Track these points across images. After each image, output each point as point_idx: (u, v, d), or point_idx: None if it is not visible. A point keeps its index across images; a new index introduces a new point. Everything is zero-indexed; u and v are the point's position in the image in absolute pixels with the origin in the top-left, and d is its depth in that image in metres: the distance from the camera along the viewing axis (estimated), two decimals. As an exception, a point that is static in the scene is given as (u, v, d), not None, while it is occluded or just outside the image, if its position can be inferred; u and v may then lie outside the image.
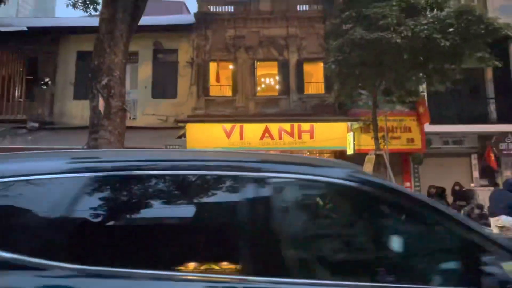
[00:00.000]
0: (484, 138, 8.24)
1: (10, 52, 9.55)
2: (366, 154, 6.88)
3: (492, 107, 8.62)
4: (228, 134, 8.10)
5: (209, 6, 8.85)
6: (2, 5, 9.41)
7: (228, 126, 8.17)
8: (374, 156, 6.35)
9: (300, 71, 8.64)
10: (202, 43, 8.81)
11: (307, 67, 8.82)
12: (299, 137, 7.88)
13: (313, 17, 8.58)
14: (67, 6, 7.94)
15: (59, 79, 9.27)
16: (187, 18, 9.84)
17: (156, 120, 8.53)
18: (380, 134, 6.80)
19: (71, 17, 11.79)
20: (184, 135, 8.16)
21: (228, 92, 9.00)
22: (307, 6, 8.69)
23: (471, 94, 9.09)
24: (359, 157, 7.11)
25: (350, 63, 6.18)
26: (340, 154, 7.92)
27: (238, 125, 8.17)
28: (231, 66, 9.03)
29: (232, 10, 8.82)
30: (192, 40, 8.90)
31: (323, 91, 8.52)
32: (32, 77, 9.43)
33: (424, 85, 7.02)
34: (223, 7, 8.83)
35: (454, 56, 6.05)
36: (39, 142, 7.80)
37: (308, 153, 8.15)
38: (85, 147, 8.20)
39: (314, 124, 7.87)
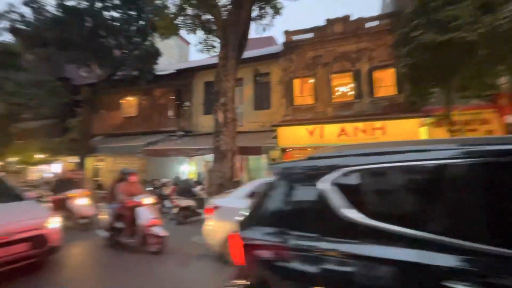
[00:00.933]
0: None
1: (165, 87, 14.62)
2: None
3: None
4: (311, 134, 10.03)
5: (293, 36, 11.24)
6: (159, 58, 14.51)
7: (310, 127, 10.10)
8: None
9: (370, 78, 9.83)
10: (288, 65, 11.24)
11: (377, 74, 9.89)
12: (372, 134, 9.02)
13: (381, 30, 9.66)
14: (199, 51, 11.78)
15: (194, 101, 13.52)
16: (276, 48, 12.54)
17: (256, 126, 11.40)
18: (455, 128, 7.16)
19: (199, 59, 16.54)
20: (276, 136, 10.61)
21: (310, 101, 11.00)
22: (375, 22, 9.87)
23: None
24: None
25: (421, 66, 6.73)
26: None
27: (318, 126, 9.98)
28: (312, 80, 11.04)
29: (312, 36, 10.90)
30: (281, 64, 11.46)
31: (393, 93, 9.41)
32: (178, 102, 14.12)
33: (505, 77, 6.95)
34: (304, 35, 11.04)
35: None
36: (185, 144, 11.79)
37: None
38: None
39: (386, 121, 8.85)
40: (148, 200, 5.25)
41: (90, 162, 14.73)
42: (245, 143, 10.04)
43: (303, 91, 11.28)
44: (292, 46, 11.18)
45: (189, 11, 9.86)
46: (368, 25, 10.01)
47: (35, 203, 4.84)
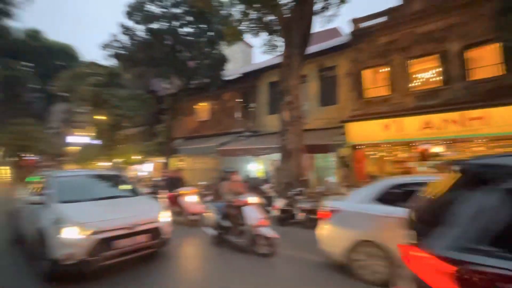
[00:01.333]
0: None
1: (233, 91, 15.50)
2: None
3: None
4: (386, 128, 9.05)
5: (361, 24, 10.36)
6: (227, 64, 15.46)
7: (385, 121, 9.13)
8: None
9: (463, 59, 8.16)
10: (357, 56, 10.42)
11: (472, 53, 8.12)
12: (467, 125, 7.49)
13: (474, 0, 7.89)
14: (264, 53, 12.08)
15: (259, 102, 13.97)
16: (342, 39, 11.79)
17: (323, 123, 10.99)
18: None
19: (263, 61, 16.99)
20: (344, 132, 9.99)
21: (384, 92, 9.94)
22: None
23: None
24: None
25: None
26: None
27: (396, 120, 8.92)
28: (386, 69, 9.95)
29: (385, 19, 9.81)
30: (348, 55, 10.72)
31: (497, 73, 7.56)
32: (245, 104, 14.85)
33: None
34: (374, 20, 10.04)
35: None
36: (252, 144, 12.28)
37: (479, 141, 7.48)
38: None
39: (489, 109, 7.20)
40: (254, 199, 5.13)
41: (173, 162, 16.88)
42: (312, 141, 9.79)
43: (376, 82, 10.27)
44: (360, 34, 10.32)
45: (252, 15, 10.20)
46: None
47: (149, 198, 5.24)
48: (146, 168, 19.23)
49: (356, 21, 10.47)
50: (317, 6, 9.20)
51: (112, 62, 15.95)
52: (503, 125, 6.95)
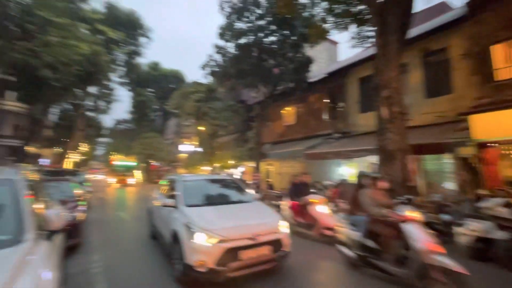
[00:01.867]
0: None
1: (319, 92, 15.04)
2: None
3: None
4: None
5: (485, -12, 8.17)
6: (311, 66, 15.16)
7: (532, 109, 6.83)
8: None
9: None
10: (478, 30, 8.25)
11: None
12: None
13: None
14: (352, 47, 11.23)
15: (348, 101, 13.01)
16: (453, 14, 9.61)
17: (431, 118, 9.19)
18: None
19: (349, 57, 15.87)
20: (466, 127, 8.02)
21: (527, 70, 7.47)
22: None
23: None
24: None
25: None
26: None
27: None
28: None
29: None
30: (465, 31, 8.63)
31: None
32: (332, 104, 14.13)
33: None
34: (506, -21, 7.73)
35: None
36: (343, 146, 11.46)
37: None
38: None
39: None
40: (417, 214, 3.75)
41: (263, 166, 17.70)
42: (419, 139, 8.31)
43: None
44: (481, 2, 8.15)
45: (338, 9, 9.65)
46: None
47: (263, 205, 4.89)
48: (239, 172, 20.93)
49: (475, -14, 8.35)
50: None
51: (209, 79, 18.25)
52: None
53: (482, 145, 7.75)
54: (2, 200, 1.95)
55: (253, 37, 14.45)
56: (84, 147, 34.61)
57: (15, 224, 1.79)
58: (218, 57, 15.82)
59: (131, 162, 33.78)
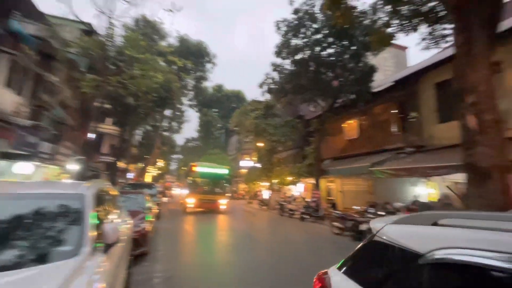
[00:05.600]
0: None
1: (385, 102, 13.65)
2: None
3: None
4: None
5: None
6: (375, 75, 13.94)
7: None
8: None
9: None
10: None
11: None
12: None
13: None
14: (424, 49, 9.95)
15: (422, 110, 11.34)
16: None
17: (545, 125, 7.17)
18: None
19: (421, 61, 14.12)
20: None
21: None
22: None
23: None
24: None
25: None
26: None
27: None
28: None
29: None
30: None
31: None
32: (402, 115, 12.56)
33: None
34: None
35: None
36: (417, 163, 9.94)
37: None
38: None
39: None
40: None
41: (323, 183, 16.75)
42: (526, 154, 6.52)
43: None
44: None
45: (404, 11, 8.74)
46: None
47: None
48: (298, 189, 20.30)
49: None
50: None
51: (267, 96, 18.70)
52: None
53: None
54: (71, 213, 2.17)
55: (309, 51, 14.29)
56: (160, 163, 39.47)
57: (77, 237, 1.98)
58: (275, 75, 16.14)
59: (222, 169, 18.43)
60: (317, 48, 14.20)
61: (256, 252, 7.11)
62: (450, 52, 8.27)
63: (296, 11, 14.14)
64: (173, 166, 57.00)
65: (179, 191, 32.24)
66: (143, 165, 30.92)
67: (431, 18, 8.49)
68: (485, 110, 6.68)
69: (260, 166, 23.67)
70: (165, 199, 22.40)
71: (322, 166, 15.99)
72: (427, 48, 9.77)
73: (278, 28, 14.87)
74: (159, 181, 40.72)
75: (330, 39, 13.86)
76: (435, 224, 1.34)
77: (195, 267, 5.63)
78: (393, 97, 12.80)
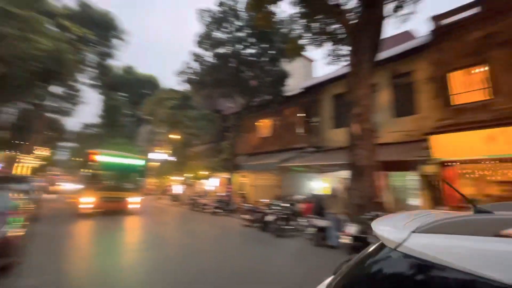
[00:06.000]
0: None
1: (294, 106, 15.28)
2: None
3: None
4: (490, 141, 7.25)
5: (443, 21, 8.89)
6: (288, 80, 15.46)
7: (487, 132, 7.35)
8: None
9: None
10: (440, 57, 8.91)
11: None
12: None
13: None
14: (328, 64, 11.58)
15: (322, 116, 13.31)
16: (418, 41, 10.33)
17: (399, 136, 9.60)
18: None
19: (324, 75, 16.40)
20: (428, 147, 8.44)
21: (481, 96, 8.13)
22: None
23: None
24: None
25: None
26: None
27: (502, 130, 7.09)
28: (482, 68, 8.18)
29: (478, 10, 8.18)
30: (428, 57, 9.27)
31: None
32: (307, 119, 14.37)
33: None
34: (462, 14, 8.48)
35: None
36: (316, 160, 11.61)
37: None
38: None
39: None
40: None
41: (237, 178, 17.34)
42: (387, 156, 8.58)
43: (468, 85, 8.50)
44: (444, 32, 8.85)
45: (315, 27, 9.94)
46: None
47: None
48: (212, 183, 20.33)
49: (437, 18, 9.06)
50: (389, 7, 8.35)
51: (185, 87, 17.81)
52: None
53: (443, 164, 8.18)
54: None
55: (232, 47, 14.43)
56: (43, 151, 31.78)
57: None
58: (195, 65, 15.54)
59: (135, 159, 14.46)
60: (239, 46, 14.49)
61: (163, 250, 6.68)
62: (345, 70, 10.00)
63: (221, 4, 13.99)
64: (64, 156, 46.92)
65: (70, 186, 26.56)
66: (16, 153, 24.21)
67: (334, 38, 9.96)
68: (365, 120, 8.42)
69: (174, 159, 22.43)
70: (48, 196, 18.26)
71: (237, 161, 16.52)
72: (330, 63, 11.46)
73: (202, 18, 14.37)
74: (41, 174, 32.81)
75: (252, 40, 14.38)
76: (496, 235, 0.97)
77: (83, 275, 4.81)
78: (301, 102, 14.45)
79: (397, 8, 8.47)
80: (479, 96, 8.18)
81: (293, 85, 15.89)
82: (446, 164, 8.17)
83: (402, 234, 1.15)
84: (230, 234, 9.09)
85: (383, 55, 9.51)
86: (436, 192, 8.29)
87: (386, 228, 1.35)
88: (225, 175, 17.21)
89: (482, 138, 7.38)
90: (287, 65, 15.40)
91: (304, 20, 10.03)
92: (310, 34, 10.16)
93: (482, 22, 8.05)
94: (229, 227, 10.48)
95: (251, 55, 14.80)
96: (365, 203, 7.46)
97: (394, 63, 10.27)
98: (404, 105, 10.04)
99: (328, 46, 10.57)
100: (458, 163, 8.07)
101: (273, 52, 14.54)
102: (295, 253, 6.79)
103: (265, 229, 9.10)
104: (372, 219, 6.58)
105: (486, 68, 8.06)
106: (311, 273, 5.05)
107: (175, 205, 19.63)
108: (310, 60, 20.94)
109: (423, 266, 1.02)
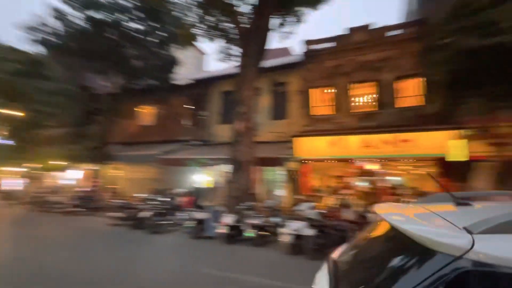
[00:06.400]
0: None
1: (183, 97, 14.68)
2: (474, 161, 6.86)
3: None
4: (332, 145, 9.58)
5: (313, 46, 11.03)
6: (177, 68, 14.74)
7: (330, 138, 9.68)
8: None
9: (394, 88, 9.41)
10: (307, 75, 10.99)
11: (403, 84, 9.44)
12: (398, 146, 8.47)
13: (405, 39, 9.28)
14: (219, 61, 11.80)
15: (210, 111, 13.46)
16: (295, 58, 12.34)
17: (274, 136, 11.09)
18: (498, 141, 6.62)
19: (216, 70, 16.64)
20: (291, 147, 10.23)
21: (329, 111, 10.63)
22: (399, 31, 9.53)
23: None
24: (464, 165, 7.17)
25: (459, 73, 6.22)
26: (440, 161, 7.95)
27: (340, 137, 9.53)
28: (332, 90, 10.71)
29: (333, 45, 10.65)
30: (299, 73, 11.23)
31: (420, 103, 8.92)
32: (195, 111, 14.12)
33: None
34: (325, 44, 10.81)
35: None
36: (200, 154, 11.60)
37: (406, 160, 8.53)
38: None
39: (415, 133, 8.29)
40: None
41: (108, 170, 14.83)
42: (262, 153, 9.72)
43: (322, 101, 10.95)
44: (311, 55, 10.96)
45: (208, 20, 9.91)
46: (391, 33, 9.66)
47: None
48: (72, 176, 16.48)
49: (308, 42, 11.11)
50: (274, 22, 9.44)
51: (36, 49, 13.49)
52: (426, 147, 8.04)
53: (301, 162, 10.14)
54: None
55: (112, 15, 12.17)
56: None
57: None
58: (56, 24, 12.06)
59: None
60: (122, 17, 12.43)
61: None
62: (235, 70, 10.56)
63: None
64: None
65: None
66: None
67: (226, 37, 10.29)
68: (247, 119, 9.21)
69: (11, 143, 16.58)
70: None
71: (108, 151, 14.14)
72: (221, 60, 11.74)
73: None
74: None
75: (140, 14, 12.67)
76: None
77: None
78: (190, 94, 14.05)
79: (281, 24, 9.72)
80: (328, 110, 10.67)
81: (183, 75, 15.23)
82: (303, 161, 10.15)
83: (463, 237, 0.88)
84: (91, 237, 7.65)
85: (266, 63, 10.71)
86: (295, 184, 10.16)
87: (430, 229, 0.99)
88: (92, 166, 14.36)
89: (327, 142, 9.67)
90: (178, 53, 14.57)
91: (200, 10, 9.82)
92: (204, 26, 10.04)
93: (334, 55, 10.55)
94: (91, 228, 8.82)
95: (137, 31, 13.04)
96: (242, 195, 8.14)
97: (274, 73, 11.77)
98: (279, 110, 11.69)
99: (220, 43, 10.79)
100: (311, 161, 10.20)
101: (164, 34, 13.39)
102: (171, 248, 6.55)
103: (139, 226, 8.27)
104: (246, 209, 7.32)
105: (333, 90, 10.62)
106: (186, 265, 5.00)
107: (10, 205, 14.51)
108: (202, 53, 20.79)
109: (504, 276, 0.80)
